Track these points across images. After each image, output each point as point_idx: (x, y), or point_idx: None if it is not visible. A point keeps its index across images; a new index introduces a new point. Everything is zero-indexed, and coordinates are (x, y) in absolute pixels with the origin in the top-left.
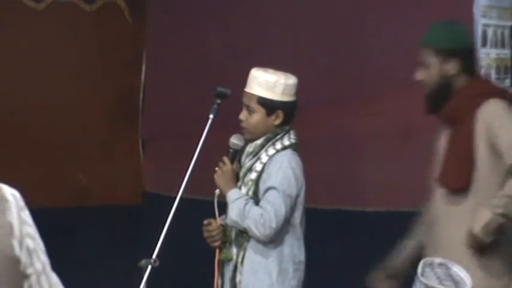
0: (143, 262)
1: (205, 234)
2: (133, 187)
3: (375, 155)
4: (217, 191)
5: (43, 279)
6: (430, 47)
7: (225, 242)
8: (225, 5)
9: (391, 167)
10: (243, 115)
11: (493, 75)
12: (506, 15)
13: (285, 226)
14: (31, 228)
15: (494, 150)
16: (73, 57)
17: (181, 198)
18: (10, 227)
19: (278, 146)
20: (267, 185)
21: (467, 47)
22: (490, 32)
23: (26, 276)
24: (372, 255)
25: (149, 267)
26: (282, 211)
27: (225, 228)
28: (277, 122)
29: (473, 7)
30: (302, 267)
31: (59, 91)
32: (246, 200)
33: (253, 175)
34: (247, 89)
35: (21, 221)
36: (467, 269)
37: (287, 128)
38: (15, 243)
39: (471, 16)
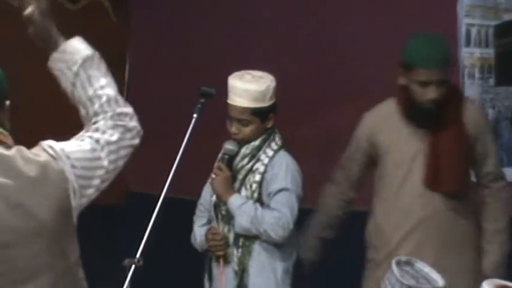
0: (127, 261)
1: (212, 243)
2: (116, 186)
3: None
4: (213, 198)
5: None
6: (445, 66)
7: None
8: (210, 5)
9: None
10: (236, 128)
11: (477, 75)
12: (490, 15)
13: None
14: None
15: (476, 155)
16: None
17: (165, 197)
18: None
19: (273, 146)
20: (276, 186)
21: None
22: (473, 32)
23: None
24: (362, 255)
25: (133, 266)
26: (296, 212)
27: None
28: (270, 124)
29: (457, 6)
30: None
31: (43, 90)
32: (254, 204)
33: (257, 177)
34: (237, 103)
35: None
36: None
37: (275, 127)
38: None
39: (455, 15)
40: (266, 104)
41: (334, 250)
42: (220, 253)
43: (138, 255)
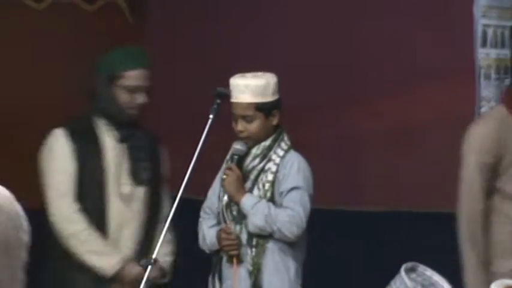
0: (143, 262)
1: (226, 242)
2: None
3: (373, 155)
4: (225, 199)
5: None
6: None
7: None
8: (225, 5)
9: (390, 167)
10: (241, 126)
11: (493, 76)
12: (506, 16)
13: None
14: None
15: None
16: (73, 57)
17: (181, 198)
18: None
19: (283, 145)
20: (288, 185)
21: None
22: (490, 32)
23: None
24: (370, 256)
25: (149, 267)
26: (308, 210)
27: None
28: (275, 121)
29: (474, 7)
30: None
31: (59, 90)
32: (267, 203)
33: (269, 176)
34: (240, 100)
35: None
36: None
37: (282, 126)
38: None
39: (471, 16)
40: (269, 99)
41: (335, 250)
42: (234, 253)
43: (154, 255)
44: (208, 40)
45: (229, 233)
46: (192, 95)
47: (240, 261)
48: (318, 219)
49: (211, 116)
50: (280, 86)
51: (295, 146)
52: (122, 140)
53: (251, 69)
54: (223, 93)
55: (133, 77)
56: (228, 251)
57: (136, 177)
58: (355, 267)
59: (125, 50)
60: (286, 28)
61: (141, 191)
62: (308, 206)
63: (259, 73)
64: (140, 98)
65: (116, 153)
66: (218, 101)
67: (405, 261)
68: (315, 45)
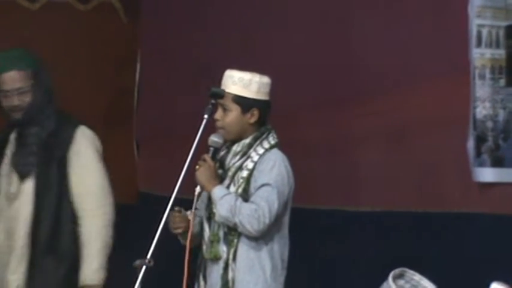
0: (138, 262)
1: (171, 225)
2: (127, 187)
3: (370, 155)
4: (198, 189)
5: None
6: None
7: (212, 241)
8: (218, 5)
9: (386, 167)
10: (219, 114)
11: (488, 76)
12: (501, 16)
13: (275, 223)
14: None
15: None
16: (67, 57)
17: (175, 198)
18: None
19: (266, 144)
20: (259, 182)
21: None
22: (484, 32)
23: None
24: (366, 255)
25: (144, 267)
26: (275, 207)
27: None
28: (253, 120)
29: (468, 7)
30: (286, 265)
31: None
32: (235, 196)
33: (244, 173)
34: (223, 89)
35: None
36: None
37: (269, 127)
38: None
39: (466, 16)
40: (249, 95)
41: (335, 250)
42: (178, 231)
43: (149, 255)
44: (201, 40)
45: (177, 211)
46: (185, 94)
47: (218, 257)
48: (314, 219)
49: (205, 116)
50: (273, 90)
51: (280, 146)
52: (16, 139)
53: (245, 69)
54: (218, 93)
55: (4, 81)
56: (172, 229)
57: (19, 171)
58: (353, 267)
59: (3, 53)
60: (280, 27)
61: (28, 187)
62: (275, 203)
63: (255, 73)
64: (15, 101)
65: (11, 153)
66: (213, 101)
67: (402, 261)
68: (309, 44)
